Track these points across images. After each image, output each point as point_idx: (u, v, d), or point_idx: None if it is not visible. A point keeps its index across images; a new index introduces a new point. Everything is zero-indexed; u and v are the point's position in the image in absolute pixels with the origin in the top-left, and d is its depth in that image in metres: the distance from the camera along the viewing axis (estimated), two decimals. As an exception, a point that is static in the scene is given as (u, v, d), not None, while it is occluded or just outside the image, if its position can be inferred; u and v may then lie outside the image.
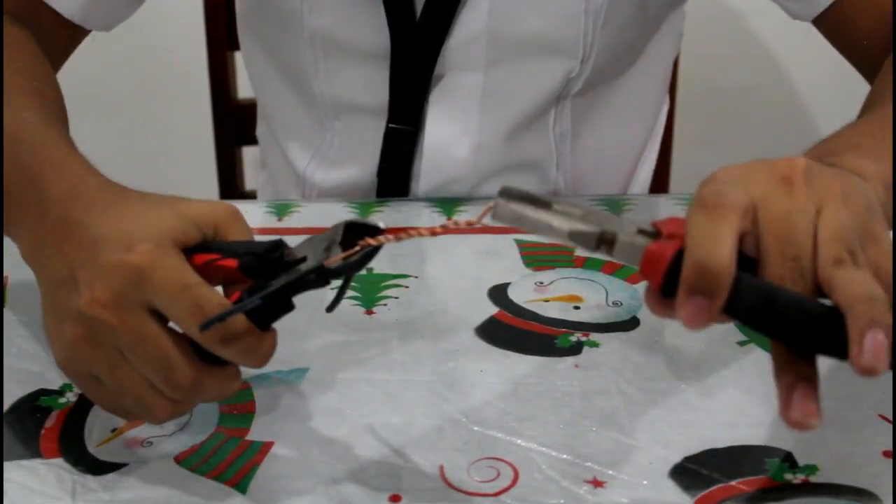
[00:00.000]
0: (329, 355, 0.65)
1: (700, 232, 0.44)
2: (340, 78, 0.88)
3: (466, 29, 0.83)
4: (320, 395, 0.61)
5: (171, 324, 0.50)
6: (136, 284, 0.49)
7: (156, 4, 0.87)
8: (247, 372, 0.63)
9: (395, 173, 0.89)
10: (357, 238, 0.50)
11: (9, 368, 0.63)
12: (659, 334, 0.67)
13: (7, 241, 0.64)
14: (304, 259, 0.51)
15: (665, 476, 0.55)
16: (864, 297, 0.43)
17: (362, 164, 0.90)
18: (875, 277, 0.45)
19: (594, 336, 0.67)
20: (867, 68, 0.80)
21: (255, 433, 0.58)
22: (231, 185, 1.26)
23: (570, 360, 0.65)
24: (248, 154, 1.27)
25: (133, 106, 1.68)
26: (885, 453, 0.56)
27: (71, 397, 0.61)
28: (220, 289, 0.53)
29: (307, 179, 0.94)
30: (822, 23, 0.82)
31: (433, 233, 0.50)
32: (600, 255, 0.47)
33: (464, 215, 0.85)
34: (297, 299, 0.51)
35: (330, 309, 0.52)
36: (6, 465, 0.55)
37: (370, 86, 0.87)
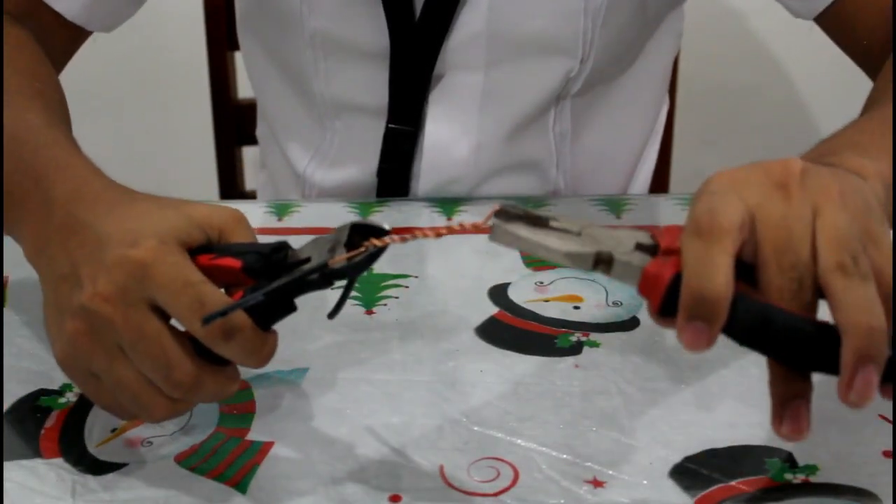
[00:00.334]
0: (329, 355, 0.65)
1: (696, 259, 0.45)
2: (340, 78, 0.88)
3: (466, 28, 0.83)
4: (320, 395, 0.61)
5: (172, 322, 0.50)
6: (139, 280, 0.49)
7: (156, 4, 0.87)
8: (247, 372, 0.63)
9: (395, 173, 0.89)
10: (362, 239, 0.49)
11: (9, 368, 0.63)
12: (659, 334, 0.67)
13: (7, 241, 0.64)
14: (307, 260, 0.51)
15: (665, 476, 0.55)
16: (863, 327, 0.43)
17: (362, 164, 0.90)
18: (875, 281, 0.45)
19: (594, 336, 0.67)
20: (869, 66, 0.80)
21: (255, 433, 0.58)
22: (231, 185, 1.26)
23: (570, 360, 0.65)
24: (248, 154, 1.27)
25: (133, 106, 1.68)
26: (885, 453, 0.56)
27: (71, 397, 0.61)
28: (223, 291, 0.53)
29: (307, 179, 0.94)
30: (824, 20, 0.82)
31: (438, 234, 0.49)
32: (599, 274, 0.47)
33: (464, 215, 0.85)
34: (298, 300, 0.51)
35: (332, 315, 0.52)
36: (6, 465, 0.55)
37: (370, 86, 0.87)
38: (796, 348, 0.45)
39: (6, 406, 0.60)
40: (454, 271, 0.76)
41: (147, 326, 0.49)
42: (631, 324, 0.68)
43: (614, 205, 0.87)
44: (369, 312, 0.70)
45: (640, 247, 0.47)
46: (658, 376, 0.63)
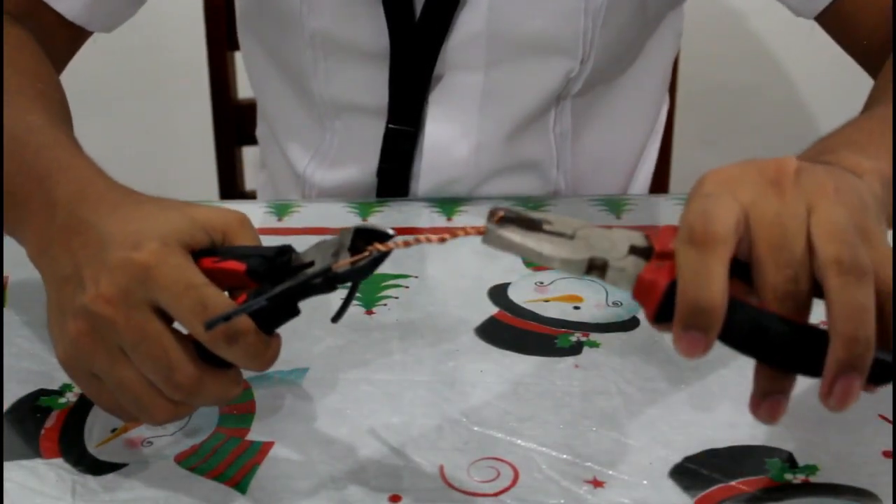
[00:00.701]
0: (329, 355, 0.65)
1: (690, 269, 0.45)
2: (340, 78, 0.88)
3: (466, 29, 0.83)
4: (320, 395, 0.61)
5: (175, 325, 0.50)
6: (142, 282, 0.49)
7: (156, 4, 0.87)
8: (247, 372, 0.62)
9: (395, 173, 0.89)
10: (366, 244, 0.49)
11: (9, 368, 0.63)
12: (659, 334, 0.67)
13: (7, 241, 0.64)
14: (311, 264, 0.50)
15: (665, 476, 0.55)
16: (849, 337, 0.44)
17: (362, 165, 0.90)
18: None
19: (594, 336, 0.67)
20: (870, 65, 0.80)
21: (255, 433, 0.58)
22: (231, 185, 1.26)
23: (570, 360, 0.65)
24: (248, 154, 1.27)
25: (133, 106, 1.68)
26: (885, 453, 0.56)
27: (71, 397, 0.61)
28: (226, 294, 0.53)
29: (307, 179, 0.94)
30: (825, 19, 0.82)
31: (441, 239, 0.49)
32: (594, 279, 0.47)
33: (464, 216, 0.85)
34: (301, 302, 0.51)
35: (336, 318, 0.52)
36: (6, 465, 0.55)
37: (370, 86, 0.87)
38: (788, 355, 0.46)
39: (6, 406, 0.60)
40: (454, 271, 0.76)
41: (149, 328, 0.49)
42: (631, 324, 0.68)
43: (614, 205, 0.87)
44: (369, 312, 0.70)
45: (634, 250, 0.47)
46: (658, 376, 0.63)
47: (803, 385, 0.62)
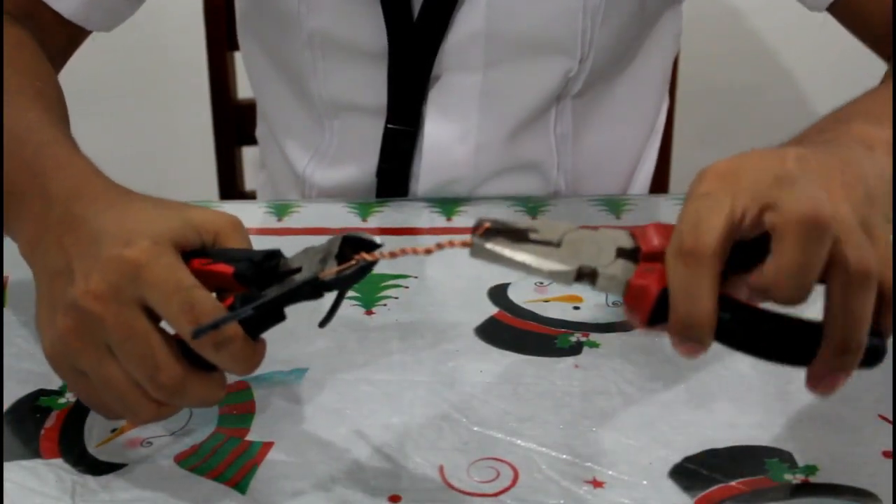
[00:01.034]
0: (329, 355, 0.65)
1: (680, 286, 0.45)
2: (338, 78, 0.88)
3: (464, 28, 0.83)
4: (320, 396, 0.61)
5: (163, 325, 0.50)
6: (132, 279, 0.49)
7: (156, 4, 0.87)
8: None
9: (395, 173, 0.89)
10: (353, 252, 0.49)
11: (9, 368, 0.63)
12: (659, 334, 0.67)
13: (7, 241, 0.64)
14: (299, 269, 0.51)
15: (665, 476, 0.55)
16: (843, 345, 0.45)
17: (361, 164, 0.90)
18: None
19: (594, 336, 0.67)
20: (885, 52, 0.80)
21: (255, 433, 0.58)
22: (231, 185, 1.26)
23: (569, 360, 0.65)
24: (248, 154, 1.27)
25: (133, 106, 1.68)
26: (885, 453, 0.56)
27: (71, 398, 0.61)
28: (214, 296, 0.53)
29: (306, 179, 0.94)
30: (837, 10, 0.82)
31: (427, 251, 0.49)
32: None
33: (464, 216, 0.85)
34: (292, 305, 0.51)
35: (323, 324, 0.52)
36: (6, 465, 0.55)
37: (368, 86, 0.87)
38: (781, 351, 0.47)
39: (6, 406, 0.60)
40: (454, 271, 0.75)
41: (136, 326, 0.49)
42: (631, 324, 0.68)
43: (614, 205, 0.87)
44: (369, 313, 0.70)
45: (621, 252, 0.47)
46: (658, 376, 0.63)
47: (803, 386, 0.62)
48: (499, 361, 0.65)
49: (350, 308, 0.70)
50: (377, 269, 0.74)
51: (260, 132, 1.04)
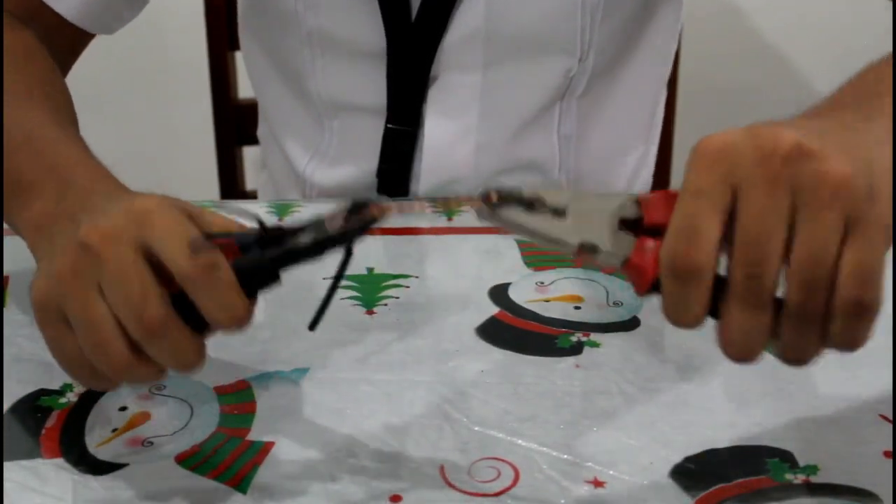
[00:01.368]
0: (329, 355, 0.65)
1: (672, 299, 0.46)
2: (337, 77, 0.88)
3: (463, 28, 0.83)
4: (320, 395, 0.61)
5: None
6: (139, 224, 0.49)
7: (156, 4, 0.87)
8: (247, 372, 0.63)
9: (395, 173, 0.89)
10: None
11: (9, 368, 0.63)
12: (659, 334, 0.67)
13: (7, 242, 0.64)
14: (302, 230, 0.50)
15: (666, 476, 0.55)
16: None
17: (361, 164, 0.90)
18: (855, 272, 0.44)
19: (595, 336, 0.67)
20: None
21: (256, 433, 0.58)
22: (231, 185, 1.26)
23: (570, 359, 0.65)
24: (249, 154, 1.27)
25: (133, 106, 1.68)
26: (886, 453, 0.56)
27: (72, 397, 0.61)
28: None
29: (307, 179, 0.94)
30: None
31: (432, 205, 0.50)
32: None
33: (465, 216, 0.85)
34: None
35: (312, 326, 0.51)
36: (6, 465, 0.56)
37: (367, 85, 0.87)
38: None
39: (6, 406, 0.60)
40: (454, 271, 0.76)
41: (132, 263, 0.48)
42: (631, 324, 0.68)
43: (615, 205, 0.87)
44: (369, 312, 0.70)
45: (623, 223, 0.48)
46: (658, 376, 0.63)
47: (804, 386, 0.62)
48: (499, 361, 0.65)
49: (350, 308, 0.70)
50: (378, 269, 0.75)
51: (261, 132, 1.04)
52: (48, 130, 0.63)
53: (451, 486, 0.54)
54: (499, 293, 0.72)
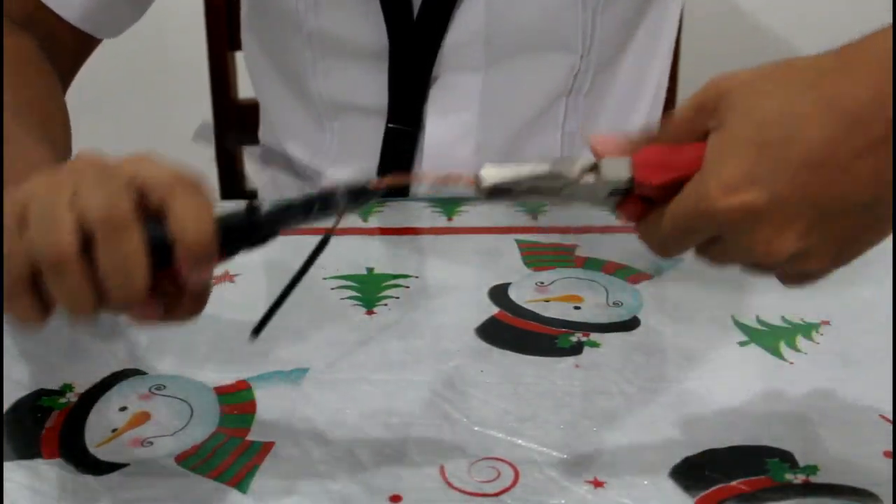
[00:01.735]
0: (329, 355, 0.65)
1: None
2: (338, 77, 0.88)
3: (464, 27, 0.83)
4: (320, 395, 0.61)
5: None
6: (135, 164, 0.48)
7: (156, 4, 0.88)
8: (247, 372, 0.63)
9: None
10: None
11: (9, 368, 0.63)
12: (659, 334, 0.67)
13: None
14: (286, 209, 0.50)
15: (665, 476, 0.55)
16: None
17: (363, 164, 0.90)
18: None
19: (595, 336, 0.67)
20: None
21: (256, 433, 0.58)
22: (231, 185, 1.26)
23: (570, 360, 0.65)
24: (249, 154, 1.27)
25: (133, 106, 1.68)
26: (886, 453, 0.56)
27: (71, 397, 0.61)
28: None
29: (307, 180, 0.94)
30: None
31: (432, 183, 0.51)
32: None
33: (465, 216, 0.85)
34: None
35: (256, 331, 0.50)
36: (6, 465, 0.55)
37: (368, 86, 0.87)
38: None
39: (6, 406, 0.60)
40: (454, 271, 0.76)
41: (115, 181, 0.47)
42: (631, 324, 0.68)
43: (614, 205, 0.87)
44: (369, 312, 0.70)
45: (614, 193, 0.49)
46: (658, 376, 0.63)
47: (803, 386, 0.62)
48: (499, 361, 0.65)
49: (350, 308, 0.70)
50: (378, 269, 0.75)
51: (263, 133, 1.04)
52: (11, 145, 0.62)
53: (451, 486, 0.54)
54: (499, 293, 0.72)
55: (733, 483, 0.54)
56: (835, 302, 0.69)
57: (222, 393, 0.61)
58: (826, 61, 0.47)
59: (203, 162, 1.32)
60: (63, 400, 0.61)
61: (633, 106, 0.94)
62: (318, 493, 0.54)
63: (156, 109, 1.69)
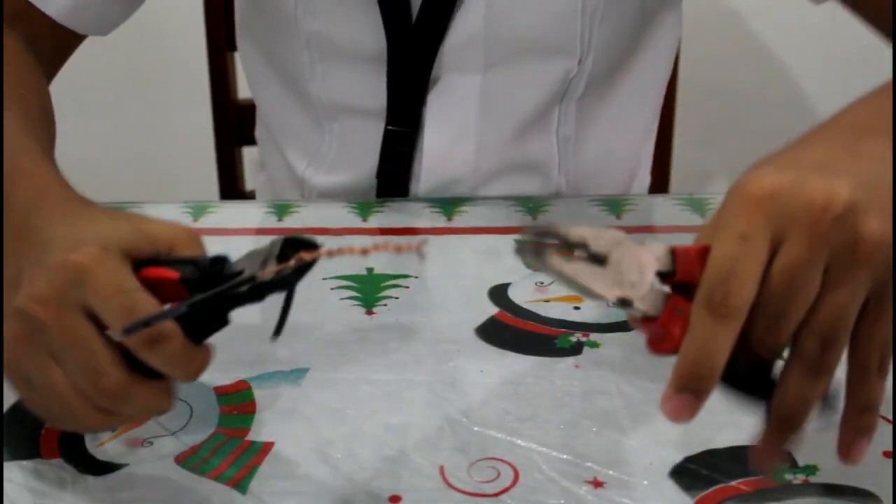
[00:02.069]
0: (329, 355, 0.65)
1: (701, 340, 0.45)
2: (337, 80, 0.88)
3: (463, 30, 0.83)
4: (320, 395, 0.61)
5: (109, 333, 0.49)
6: (76, 283, 0.48)
7: (156, 4, 0.87)
8: (247, 372, 0.63)
9: (395, 175, 0.89)
10: (294, 253, 0.49)
11: (9, 368, 0.63)
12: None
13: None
14: (242, 273, 0.50)
15: (665, 476, 0.55)
16: (862, 407, 0.47)
17: (361, 167, 0.90)
18: (860, 350, 0.46)
19: (594, 336, 0.67)
20: (890, 34, 0.78)
21: (256, 433, 0.58)
22: (231, 185, 1.26)
23: (570, 360, 0.65)
24: (249, 154, 1.27)
25: (133, 106, 1.68)
26: (885, 453, 0.56)
27: (71, 397, 0.61)
28: (157, 302, 0.50)
29: (306, 182, 0.94)
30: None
31: (364, 251, 0.48)
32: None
33: (465, 216, 0.85)
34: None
35: (275, 334, 0.51)
36: (6, 464, 0.56)
37: (367, 88, 0.87)
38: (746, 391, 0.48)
39: (6, 406, 0.60)
40: (454, 271, 0.76)
41: (78, 330, 0.48)
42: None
43: (615, 205, 0.87)
44: (369, 312, 0.70)
45: (660, 275, 0.47)
46: (658, 376, 0.63)
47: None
48: (499, 361, 0.65)
49: (350, 308, 0.70)
50: (378, 269, 0.75)
51: (259, 134, 1.04)
52: (8, 140, 0.62)
53: (450, 486, 0.54)
54: (498, 293, 0.72)
55: (733, 483, 0.54)
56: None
57: (222, 393, 0.61)
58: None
59: (202, 162, 1.32)
60: (63, 400, 0.61)
61: (629, 115, 0.94)
62: (319, 492, 0.54)
63: (156, 109, 1.69)
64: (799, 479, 0.54)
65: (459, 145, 0.88)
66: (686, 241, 0.47)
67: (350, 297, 0.71)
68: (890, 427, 0.58)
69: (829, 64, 1.50)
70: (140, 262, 0.51)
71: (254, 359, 0.64)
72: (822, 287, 0.45)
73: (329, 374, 0.63)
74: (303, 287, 0.54)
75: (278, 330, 0.50)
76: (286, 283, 0.48)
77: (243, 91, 1.18)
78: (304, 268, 0.48)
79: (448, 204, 0.87)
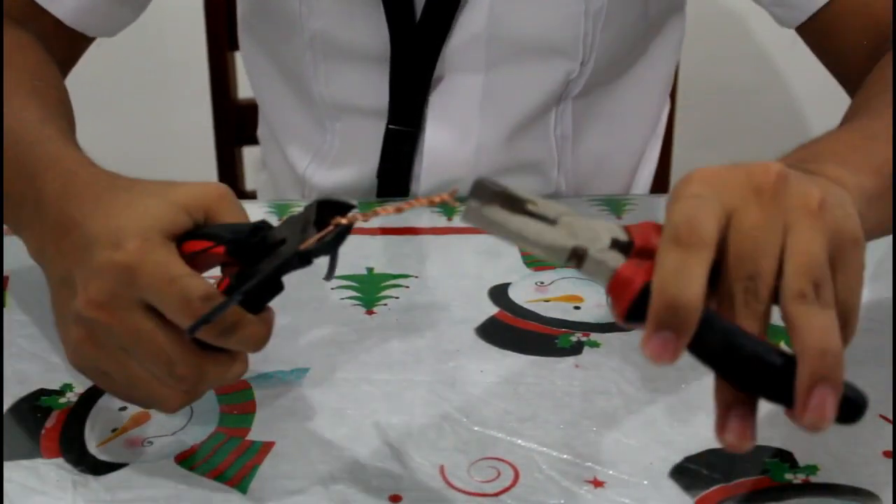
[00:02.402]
0: (329, 355, 0.65)
1: (672, 268, 0.43)
2: (340, 80, 0.88)
3: (466, 30, 0.83)
4: (321, 395, 0.61)
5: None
6: (128, 283, 0.49)
7: (156, 4, 0.87)
8: (247, 372, 0.63)
9: (396, 174, 0.89)
10: (330, 216, 0.50)
11: (9, 368, 0.63)
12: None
13: (6, 241, 0.64)
14: (283, 241, 0.51)
15: (665, 476, 0.55)
16: (817, 350, 0.43)
17: (362, 166, 0.91)
18: (838, 311, 0.44)
19: (595, 336, 0.67)
20: (848, 79, 0.79)
21: (256, 433, 0.58)
22: (231, 185, 1.26)
23: (570, 360, 0.65)
24: (249, 154, 1.27)
25: (133, 106, 1.68)
26: (886, 453, 0.56)
27: (71, 397, 0.61)
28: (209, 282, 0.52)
29: (307, 181, 0.94)
30: (806, 31, 0.81)
31: (399, 210, 0.50)
32: (570, 268, 0.47)
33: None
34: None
35: (328, 277, 0.52)
36: (6, 465, 0.55)
37: (370, 87, 0.87)
38: (758, 378, 0.45)
39: (6, 406, 0.60)
40: (454, 271, 0.76)
41: (141, 328, 0.50)
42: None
43: (615, 205, 0.87)
44: (369, 312, 0.70)
45: (615, 244, 0.46)
46: (658, 376, 0.63)
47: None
48: (499, 361, 0.65)
49: (350, 308, 0.70)
50: (378, 269, 0.75)
51: (261, 133, 1.04)
52: (29, 132, 0.63)
53: (451, 486, 0.54)
54: (499, 293, 0.72)
55: (733, 483, 0.54)
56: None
57: (222, 393, 0.61)
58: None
59: (203, 162, 1.32)
60: (63, 400, 0.61)
61: (630, 117, 0.94)
62: (318, 493, 0.54)
63: (156, 109, 1.69)
64: (799, 478, 0.55)
65: (460, 145, 0.88)
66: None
67: (350, 297, 0.71)
68: (890, 427, 0.58)
69: (829, 64, 1.50)
70: (181, 237, 0.52)
71: (254, 359, 0.64)
72: (785, 243, 0.45)
73: (329, 374, 0.63)
74: (303, 287, 0.54)
75: (330, 274, 0.52)
76: (328, 248, 0.50)
77: (244, 91, 1.18)
78: (343, 232, 0.49)
79: (448, 204, 0.87)
